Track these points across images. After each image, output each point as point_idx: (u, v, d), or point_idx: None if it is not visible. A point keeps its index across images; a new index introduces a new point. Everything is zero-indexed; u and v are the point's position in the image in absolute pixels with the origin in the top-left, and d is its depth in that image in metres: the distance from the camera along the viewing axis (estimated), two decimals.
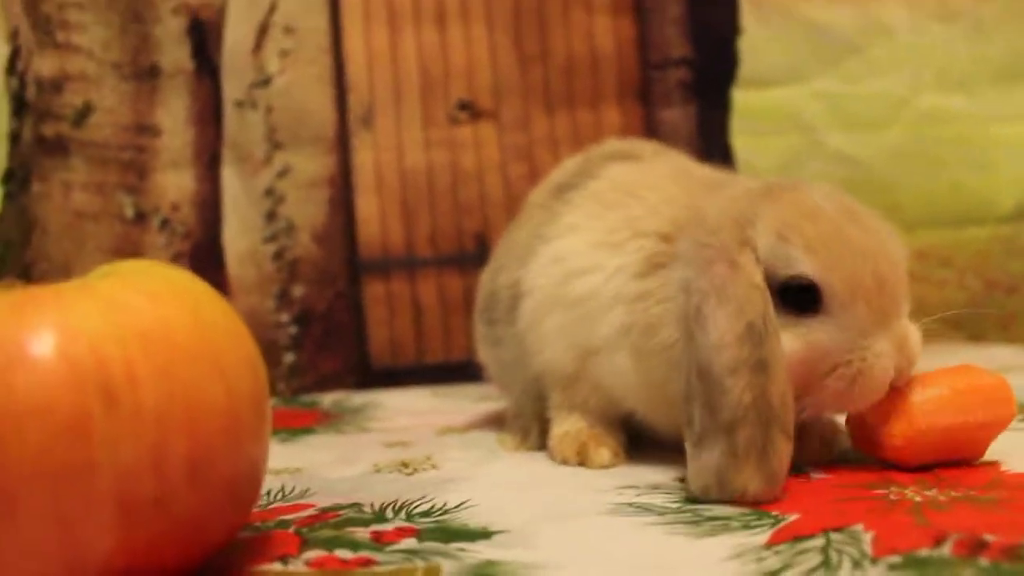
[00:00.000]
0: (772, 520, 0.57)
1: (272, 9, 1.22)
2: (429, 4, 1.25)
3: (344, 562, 0.54)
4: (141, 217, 1.21)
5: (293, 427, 1.01)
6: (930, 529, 0.53)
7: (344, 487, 0.72)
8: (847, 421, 0.69)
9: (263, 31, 1.22)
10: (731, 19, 1.29)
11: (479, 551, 0.55)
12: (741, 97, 1.30)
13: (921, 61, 1.31)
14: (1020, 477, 0.64)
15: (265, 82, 1.22)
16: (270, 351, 1.23)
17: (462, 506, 0.64)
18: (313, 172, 1.23)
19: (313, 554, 0.55)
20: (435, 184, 1.25)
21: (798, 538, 0.54)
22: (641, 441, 0.76)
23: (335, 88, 1.24)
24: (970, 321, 1.33)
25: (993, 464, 0.68)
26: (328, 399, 1.18)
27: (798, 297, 0.63)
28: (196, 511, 0.46)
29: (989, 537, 0.51)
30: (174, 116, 1.21)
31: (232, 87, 1.21)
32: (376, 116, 1.25)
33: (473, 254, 1.21)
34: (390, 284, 1.25)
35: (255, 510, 0.66)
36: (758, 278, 0.63)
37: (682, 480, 0.67)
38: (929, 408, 0.65)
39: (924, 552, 0.50)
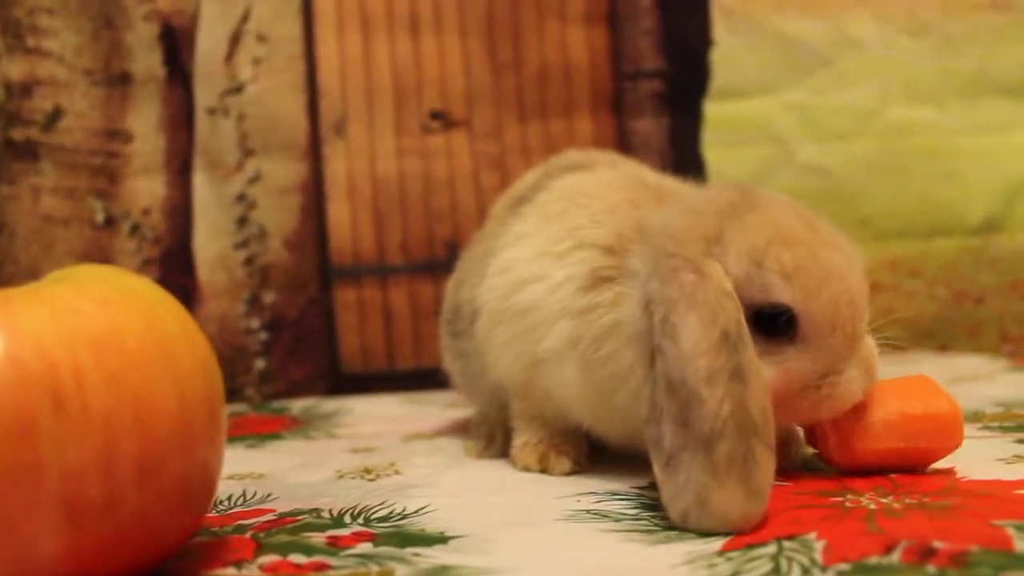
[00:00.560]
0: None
1: (245, 17, 1.22)
2: (402, 13, 1.26)
3: (298, 567, 0.54)
4: (111, 222, 1.20)
5: (261, 433, 1.01)
6: (882, 536, 0.54)
7: (306, 492, 0.72)
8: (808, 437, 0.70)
9: (236, 39, 1.22)
10: (703, 31, 1.31)
11: (435, 556, 0.55)
12: (713, 108, 1.31)
13: (890, 74, 1.32)
14: (974, 484, 0.65)
15: (237, 89, 1.22)
16: (241, 357, 1.23)
17: (421, 511, 0.64)
18: (285, 179, 1.23)
19: (268, 559, 0.55)
20: (407, 192, 1.26)
21: (750, 545, 0.54)
22: (603, 450, 0.77)
23: (308, 95, 1.24)
24: (939, 331, 1.35)
25: (948, 471, 0.68)
26: (298, 405, 1.17)
27: (772, 322, 0.62)
28: (146, 515, 0.46)
29: (938, 544, 0.52)
30: (145, 122, 1.21)
31: (204, 94, 1.22)
32: (349, 124, 1.25)
33: (444, 262, 1.21)
34: (361, 291, 1.25)
35: (214, 515, 0.66)
36: (728, 286, 0.60)
37: (641, 488, 0.67)
38: (871, 432, 0.65)
39: (874, 560, 0.51)
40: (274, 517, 0.64)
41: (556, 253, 0.71)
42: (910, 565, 0.50)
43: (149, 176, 1.21)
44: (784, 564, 0.51)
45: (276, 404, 1.20)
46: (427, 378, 1.17)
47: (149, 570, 0.50)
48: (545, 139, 1.29)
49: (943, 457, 0.67)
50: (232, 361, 1.23)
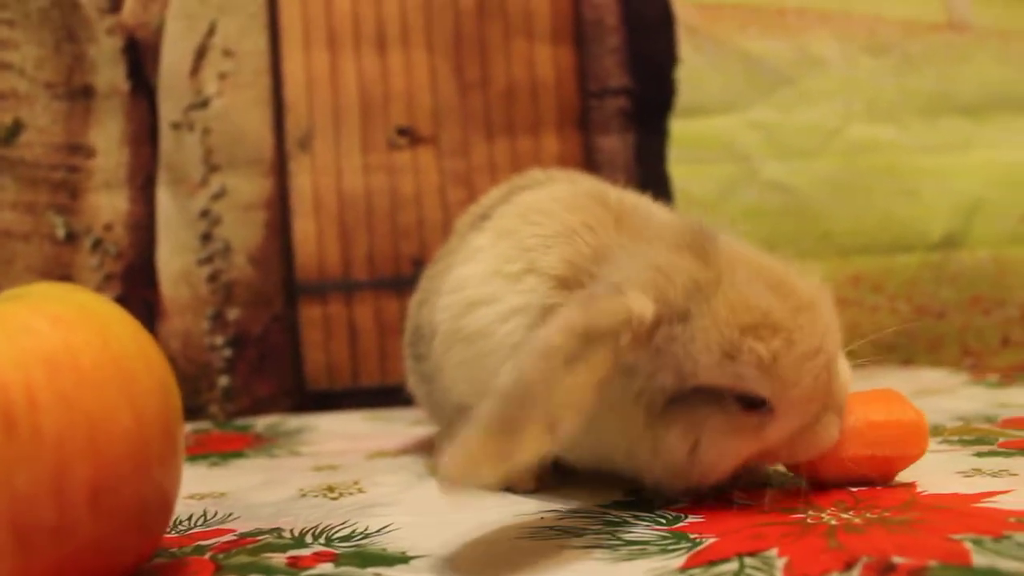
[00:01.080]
0: (690, 544, 0.58)
1: (211, 31, 1.21)
2: (369, 29, 1.26)
3: None
4: (72, 237, 1.19)
5: (224, 451, 1.00)
6: (842, 553, 0.54)
7: (268, 512, 0.71)
8: None
9: (201, 53, 1.21)
10: (669, 49, 1.32)
11: None
12: (678, 126, 1.32)
13: (852, 92, 1.34)
14: (934, 498, 0.65)
15: (203, 104, 1.21)
16: (204, 374, 1.22)
17: (384, 531, 0.63)
18: (250, 194, 1.22)
19: None
20: (373, 208, 1.25)
21: (712, 562, 0.54)
22: (568, 470, 0.76)
23: (273, 111, 1.23)
24: (901, 345, 1.37)
25: (909, 485, 0.69)
26: (262, 423, 1.16)
27: (749, 402, 0.62)
28: (99, 538, 0.45)
29: (898, 559, 0.52)
30: (108, 136, 1.19)
31: (168, 108, 1.21)
32: (315, 139, 1.24)
33: (410, 278, 1.20)
34: (327, 307, 1.24)
35: (174, 535, 0.65)
36: (650, 313, 0.59)
37: (605, 506, 0.67)
38: (842, 440, 0.66)
39: None
40: (234, 537, 0.63)
41: (506, 275, 0.69)
42: None
43: (111, 191, 1.20)
44: None
45: (240, 421, 1.18)
46: (392, 395, 1.16)
47: None
48: (512, 156, 1.29)
49: (909, 464, 0.68)
50: (196, 378, 1.21)
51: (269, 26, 1.23)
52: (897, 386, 1.15)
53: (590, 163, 1.30)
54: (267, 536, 0.63)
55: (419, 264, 1.24)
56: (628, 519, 0.64)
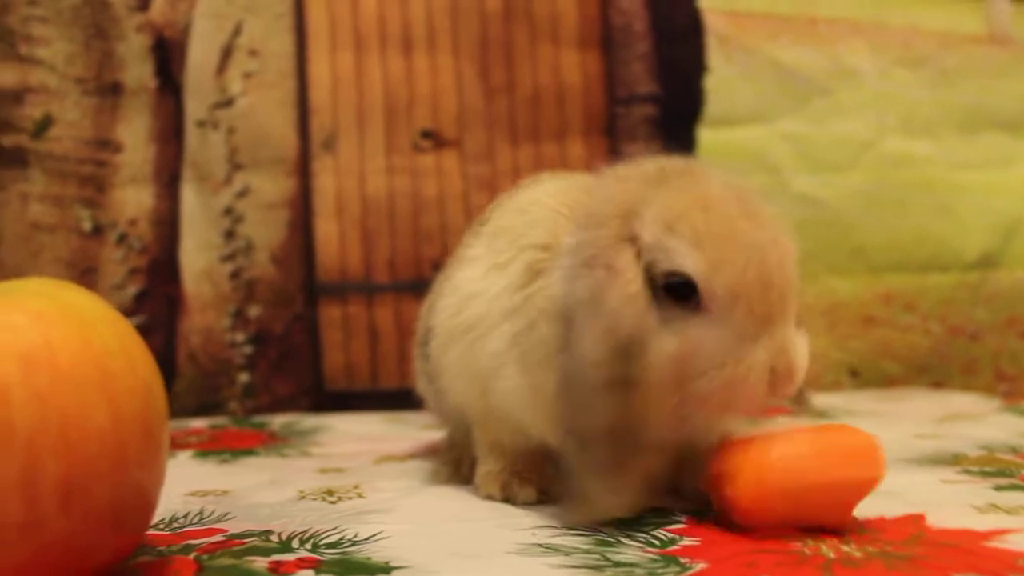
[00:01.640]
0: (679, 569, 0.56)
1: (237, 31, 1.22)
2: (395, 32, 1.26)
3: None
4: (98, 231, 1.20)
5: (236, 448, 1.00)
6: None
7: (264, 513, 0.71)
8: (702, 482, 0.66)
9: (227, 52, 1.22)
10: (698, 57, 1.30)
11: None
12: (706, 135, 1.30)
13: (886, 105, 1.32)
14: (942, 533, 0.63)
15: (228, 103, 1.22)
16: (224, 370, 1.22)
17: (373, 538, 0.63)
18: (273, 194, 1.23)
19: None
20: (396, 210, 1.25)
21: None
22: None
23: (298, 111, 1.24)
24: (933, 366, 1.33)
25: (918, 516, 0.67)
26: (279, 421, 1.17)
27: (680, 290, 0.60)
28: (72, 536, 0.45)
29: None
30: (135, 133, 1.21)
31: (194, 106, 1.22)
32: (339, 141, 1.25)
33: (431, 281, 1.21)
34: (347, 308, 1.24)
35: (166, 533, 0.65)
36: (635, 285, 0.60)
37: (602, 523, 0.66)
38: (779, 467, 0.61)
39: None
40: (223, 538, 0.63)
41: (499, 264, 0.70)
42: None
43: (137, 186, 1.21)
44: None
45: (257, 419, 1.19)
46: (411, 397, 1.15)
47: None
48: (537, 162, 1.28)
49: (865, 493, 0.63)
50: (216, 374, 1.22)
51: (296, 27, 1.24)
52: (925, 409, 1.14)
53: None
54: (255, 539, 0.63)
55: (440, 267, 1.23)
56: (622, 538, 0.62)
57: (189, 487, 0.80)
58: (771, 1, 1.31)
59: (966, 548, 0.59)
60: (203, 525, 0.67)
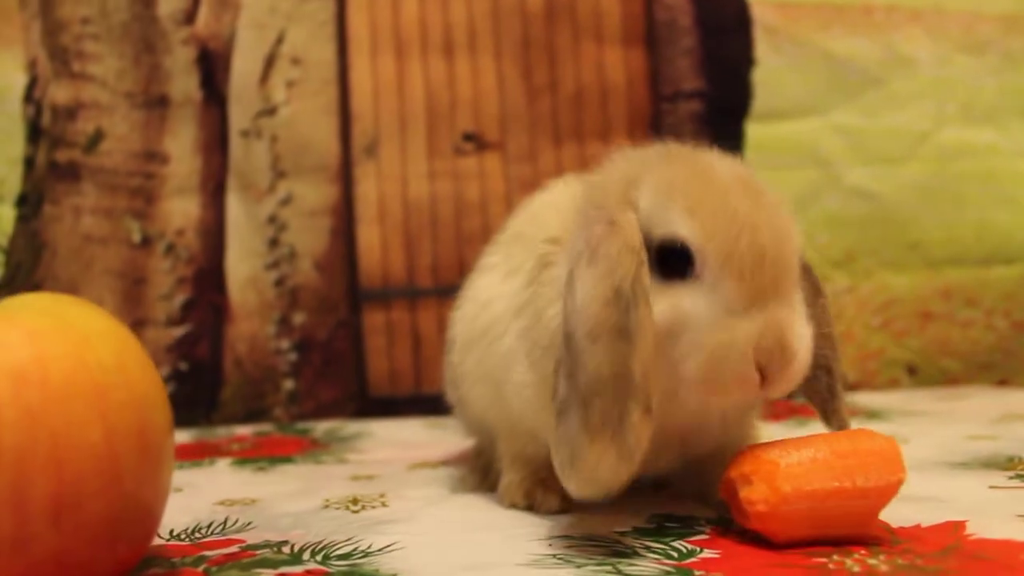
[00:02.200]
0: None
1: (280, 40, 1.24)
2: (437, 35, 1.25)
3: None
4: (147, 242, 1.23)
5: (274, 455, 1.01)
6: None
7: (285, 523, 0.71)
8: (720, 488, 0.63)
9: (270, 62, 1.23)
10: (745, 51, 1.27)
11: None
12: (755, 130, 1.27)
13: (945, 94, 1.26)
14: (980, 544, 0.59)
15: (271, 112, 1.23)
16: (270, 377, 1.24)
17: (386, 549, 0.62)
18: (316, 201, 1.24)
19: None
20: (438, 214, 1.25)
21: None
22: None
23: (340, 118, 1.24)
24: (998, 363, 1.28)
25: (958, 525, 0.63)
26: (322, 427, 1.17)
27: (674, 260, 0.59)
28: (63, 551, 0.46)
29: None
30: (182, 144, 1.23)
31: (238, 116, 1.23)
32: (381, 146, 1.25)
33: None
34: (390, 313, 1.24)
35: (187, 543, 0.66)
36: (635, 240, 0.59)
37: (622, 533, 0.64)
38: (797, 471, 0.59)
39: None
40: (238, 549, 0.63)
41: (513, 269, 0.70)
42: None
43: (184, 197, 1.23)
44: None
45: (301, 425, 1.20)
46: None
47: None
48: (580, 162, 1.26)
49: (888, 499, 0.60)
50: (261, 381, 1.24)
51: (337, 34, 1.24)
52: (985, 408, 1.09)
53: None
54: (266, 551, 0.63)
55: None
56: (639, 549, 0.61)
57: (220, 496, 0.81)
58: None
59: (1003, 562, 0.56)
60: (224, 535, 0.68)
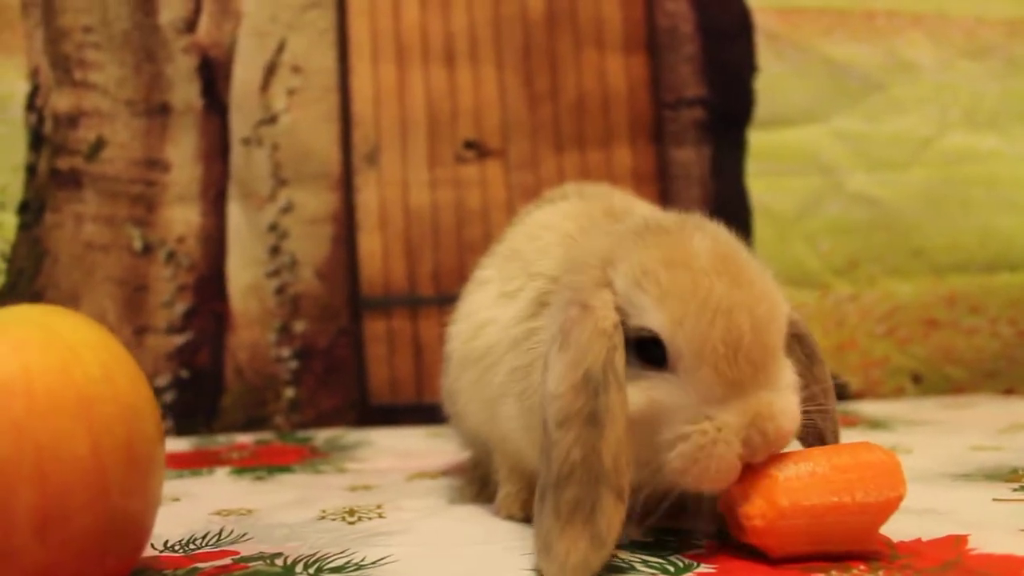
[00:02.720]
0: None
1: (280, 48, 1.24)
2: (438, 43, 1.25)
3: None
4: (148, 249, 1.23)
5: (273, 464, 1.01)
6: None
7: (280, 534, 0.71)
8: (718, 501, 0.62)
9: (271, 70, 1.23)
10: (747, 57, 1.26)
11: None
12: (757, 137, 1.27)
13: (948, 99, 1.26)
14: (982, 560, 0.58)
15: (271, 120, 1.23)
16: (270, 385, 1.23)
17: (379, 562, 0.62)
18: (317, 209, 1.23)
19: None
20: (439, 222, 1.25)
21: None
22: None
23: (341, 126, 1.24)
24: (1003, 371, 1.27)
25: (960, 539, 0.63)
26: (323, 436, 1.17)
27: (651, 347, 0.58)
28: (49, 565, 0.45)
29: None
30: (183, 152, 1.23)
31: (239, 124, 1.23)
32: (382, 154, 1.25)
33: None
34: (391, 322, 1.24)
35: (180, 555, 0.65)
36: (608, 323, 0.58)
37: (618, 546, 0.64)
38: (795, 486, 0.58)
39: None
40: (230, 561, 0.63)
41: (509, 292, 0.69)
42: None
43: (185, 205, 1.23)
44: None
45: (302, 434, 1.20)
46: None
47: None
48: (582, 169, 1.26)
49: (888, 513, 0.59)
50: (262, 389, 1.23)
51: (338, 42, 1.24)
52: (991, 417, 1.08)
53: (664, 176, 1.26)
54: (258, 563, 0.62)
55: None
56: (636, 564, 0.60)
57: (217, 506, 0.81)
58: None
59: None
60: (218, 547, 0.67)
